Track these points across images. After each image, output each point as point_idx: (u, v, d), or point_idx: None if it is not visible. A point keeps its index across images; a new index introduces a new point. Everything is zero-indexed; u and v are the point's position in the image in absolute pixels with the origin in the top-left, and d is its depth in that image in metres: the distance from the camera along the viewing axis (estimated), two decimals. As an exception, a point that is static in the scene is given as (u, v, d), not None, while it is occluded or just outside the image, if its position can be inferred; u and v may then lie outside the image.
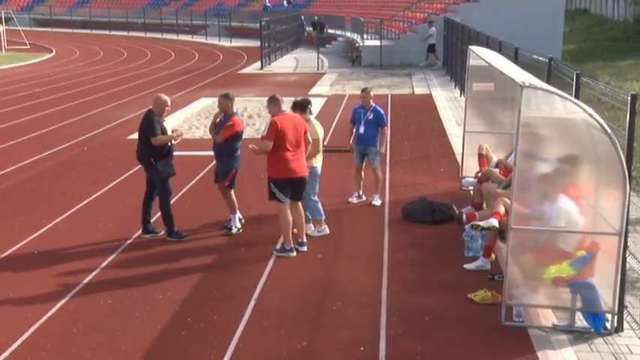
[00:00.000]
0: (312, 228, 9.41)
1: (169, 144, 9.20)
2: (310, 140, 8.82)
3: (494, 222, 7.73)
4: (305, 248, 8.84)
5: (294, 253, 8.68)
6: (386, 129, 10.82)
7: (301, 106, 9.21)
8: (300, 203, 8.85)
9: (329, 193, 11.17)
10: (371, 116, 10.55)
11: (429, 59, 29.96)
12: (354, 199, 10.86)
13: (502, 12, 29.34)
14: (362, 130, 10.55)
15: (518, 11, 29.47)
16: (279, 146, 8.43)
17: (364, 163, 10.78)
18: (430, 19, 31.17)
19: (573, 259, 6.67)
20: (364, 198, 10.87)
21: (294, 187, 8.64)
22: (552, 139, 7.06)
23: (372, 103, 10.64)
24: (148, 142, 9.02)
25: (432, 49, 29.86)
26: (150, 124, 9.00)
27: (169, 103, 9.25)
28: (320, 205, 9.41)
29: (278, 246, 8.90)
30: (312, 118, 9.52)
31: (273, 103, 8.66)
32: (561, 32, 31.06)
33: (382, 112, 10.73)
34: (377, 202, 10.73)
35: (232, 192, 9.62)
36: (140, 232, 9.45)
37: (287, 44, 37.57)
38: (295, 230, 8.88)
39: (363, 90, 10.80)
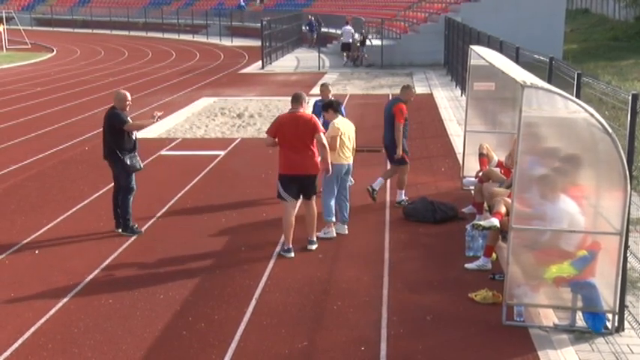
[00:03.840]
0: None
1: (134, 138, 9.36)
2: (324, 141, 8.68)
3: (495, 221, 7.74)
4: (314, 247, 8.83)
5: (292, 254, 8.66)
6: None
7: (325, 107, 9.48)
8: (313, 203, 8.83)
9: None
10: None
11: (348, 58, 31.07)
12: None
13: (503, 12, 29.38)
14: (321, 122, 10.78)
15: (519, 11, 29.51)
16: (282, 143, 8.56)
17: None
18: (347, 19, 32.93)
19: (574, 258, 6.67)
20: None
21: (300, 185, 8.64)
22: (553, 139, 7.06)
23: (330, 96, 10.78)
24: (114, 136, 9.19)
25: (346, 47, 31.08)
26: (117, 116, 9.19)
27: (130, 98, 9.40)
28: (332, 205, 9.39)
29: (278, 247, 8.92)
30: (339, 117, 9.49)
31: (292, 100, 8.76)
32: (562, 32, 31.07)
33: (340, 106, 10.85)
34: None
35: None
36: (116, 228, 9.54)
37: (288, 44, 37.59)
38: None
39: (322, 84, 11.04)
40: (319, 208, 9.11)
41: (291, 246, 8.72)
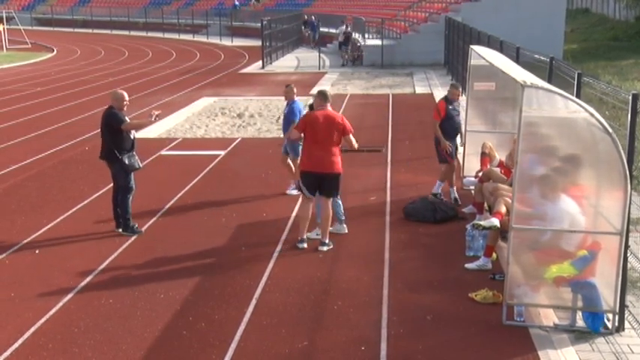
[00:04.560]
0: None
1: (132, 137, 9.36)
2: (354, 143, 8.81)
3: (495, 221, 7.73)
4: (324, 248, 8.83)
5: (305, 245, 8.82)
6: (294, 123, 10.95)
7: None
8: (329, 202, 8.87)
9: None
10: (286, 110, 10.88)
11: (348, 57, 31.86)
12: (292, 191, 11.10)
13: (503, 11, 29.38)
14: (281, 121, 11.12)
15: (519, 11, 29.51)
16: (306, 139, 8.73)
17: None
18: (348, 19, 34.23)
19: (574, 258, 6.67)
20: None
21: (320, 183, 8.74)
22: (553, 139, 7.06)
23: (294, 98, 10.87)
24: (112, 136, 9.21)
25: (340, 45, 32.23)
26: (114, 116, 9.21)
27: (127, 98, 9.42)
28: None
29: (279, 246, 8.94)
30: None
31: (317, 97, 8.85)
32: (563, 32, 31.06)
33: (295, 108, 10.85)
34: (292, 191, 11.06)
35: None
36: (116, 228, 9.55)
37: (288, 43, 37.60)
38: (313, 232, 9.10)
39: (287, 86, 11.11)
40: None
41: (305, 237, 8.85)
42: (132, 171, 9.41)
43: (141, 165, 9.60)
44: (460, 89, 10.94)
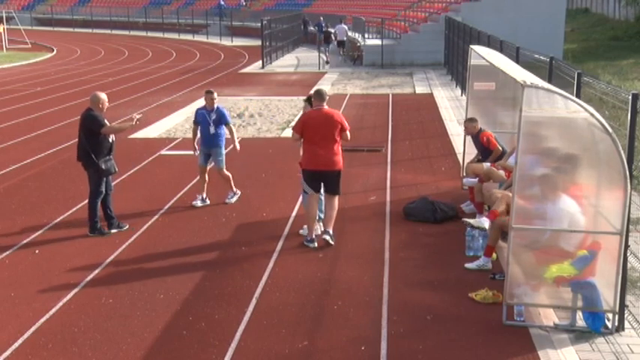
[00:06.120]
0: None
1: (111, 141, 9.31)
2: (349, 138, 8.95)
3: (484, 222, 7.73)
4: (328, 237, 8.87)
5: (315, 244, 8.84)
6: (232, 126, 10.82)
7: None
8: (336, 198, 8.94)
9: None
10: (214, 117, 10.57)
11: (346, 55, 32.98)
12: (198, 202, 10.71)
13: (503, 11, 29.40)
14: (211, 130, 10.53)
15: (519, 10, 29.52)
16: (306, 139, 8.76)
17: (209, 165, 10.78)
18: (342, 18, 35.16)
19: (574, 258, 6.67)
20: (208, 202, 10.78)
21: (323, 180, 8.84)
22: (553, 139, 7.06)
23: (215, 104, 10.59)
24: (90, 139, 9.15)
25: (340, 45, 33.47)
26: (94, 118, 9.14)
27: (107, 101, 9.36)
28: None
29: (279, 246, 8.96)
30: None
31: (314, 97, 8.88)
32: (562, 31, 31.06)
33: (224, 111, 10.72)
34: (232, 199, 10.84)
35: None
36: (108, 229, 9.54)
37: (288, 43, 37.61)
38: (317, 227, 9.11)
39: (208, 92, 10.69)
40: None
41: (314, 236, 8.91)
42: (107, 175, 9.35)
43: (117, 169, 9.53)
44: (469, 123, 10.26)
